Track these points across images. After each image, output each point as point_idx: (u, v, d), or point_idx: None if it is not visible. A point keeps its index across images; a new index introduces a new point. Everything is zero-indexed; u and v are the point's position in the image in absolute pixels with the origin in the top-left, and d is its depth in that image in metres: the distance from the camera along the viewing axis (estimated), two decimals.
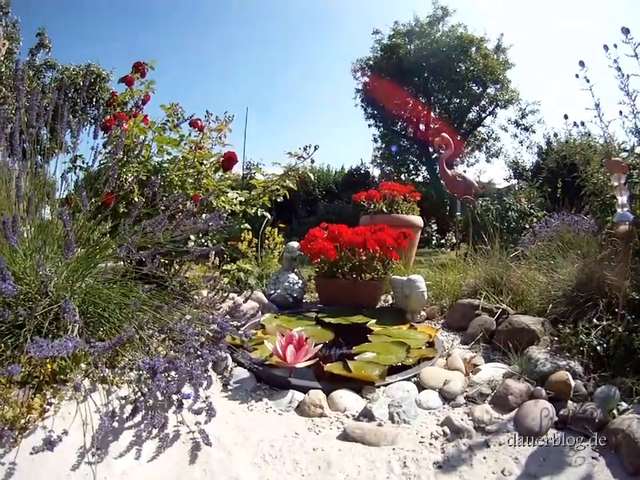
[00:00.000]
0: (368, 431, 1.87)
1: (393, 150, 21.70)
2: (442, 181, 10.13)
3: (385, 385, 2.31)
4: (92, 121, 14.80)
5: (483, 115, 21.88)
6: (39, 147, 3.13)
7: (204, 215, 3.69)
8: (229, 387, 2.42)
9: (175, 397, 2.10)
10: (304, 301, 4.38)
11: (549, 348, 2.43)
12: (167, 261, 3.74)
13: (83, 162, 3.93)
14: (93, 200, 3.10)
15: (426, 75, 20.65)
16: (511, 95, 20.42)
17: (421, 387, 2.31)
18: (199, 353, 2.26)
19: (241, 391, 2.40)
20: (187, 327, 2.49)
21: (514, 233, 6.54)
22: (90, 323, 2.52)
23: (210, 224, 2.97)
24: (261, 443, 1.94)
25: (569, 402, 1.95)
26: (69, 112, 3.09)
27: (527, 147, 19.79)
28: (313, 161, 4.59)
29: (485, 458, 1.71)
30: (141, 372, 2.31)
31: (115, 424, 2.01)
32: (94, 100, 14.69)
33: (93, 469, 1.74)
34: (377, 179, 21.34)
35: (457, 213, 7.60)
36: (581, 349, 2.28)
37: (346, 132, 47.89)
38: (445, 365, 2.53)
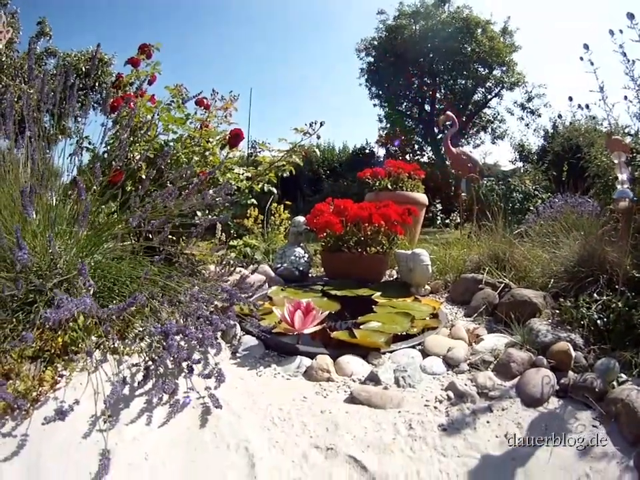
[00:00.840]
0: (374, 394, 1.90)
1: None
2: (447, 160, 10.11)
3: (391, 352, 2.35)
4: (95, 104, 15.06)
5: (489, 97, 21.62)
6: (43, 132, 3.17)
7: (211, 190, 3.65)
8: (238, 355, 2.45)
9: (185, 364, 2.14)
10: (310, 274, 4.40)
11: (550, 320, 2.45)
12: (174, 237, 3.76)
13: (90, 143, 3.98)
14: (100, 179, 3.07)
15: (431, 55, 20.35)
16: (517, 77, 20.18)
17: (425, 354, 2.34)
18: (209, 319, 2.29)
19: (249, 358, 2.43)
20: (197, 293, 2.52)
21: (518, 214, 6.51)
22: (100, 297, 2.55)
23: (217, 198, 2.98)
24: (269, 406, 1.98)
25: (570, 372, 1.97)
26: (75, 97, 3.14)
27: (534, 130, 19.68)
28: (319, 137, 4.61)
29: (488, 422, 1.74)
30: (152, 339, 2.33)
31: (126, 391, 2.05)
32: (96, 84, 14.76)
33: (104, 436, 1.77)
34: (382, 159, 21.30)
35: (462, 192, 7.63)
36: (582, 322, 2.30)
37: (351, 111, 47.87)
38: (448, 334, 2.56)
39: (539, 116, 20.35)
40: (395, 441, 1.68)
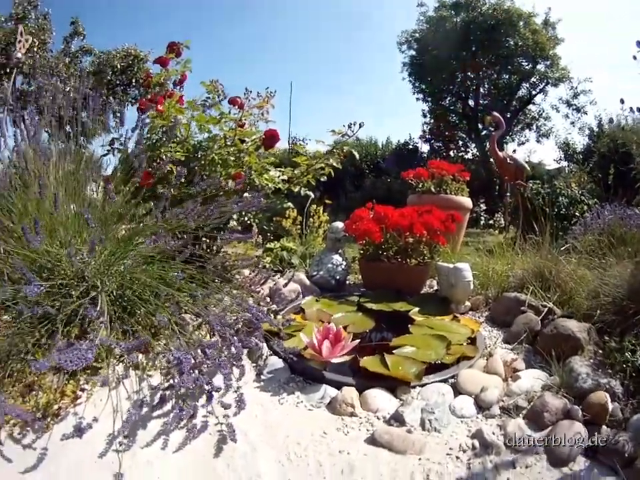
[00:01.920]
0: (396, 437, 1.84)
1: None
2: (491, 158, 9.98)
3: (421, 386, 2.26)
4: (132, 101, 15.32)
5: (534, 93, 21.22)
6: (81, 129, 3.21)
7: (246, 194, 3.65)
8: (262, 377, 2.41)
9: (206, 387, 2.10)
10: (347, 282, 4.28)
11: (591, 360, 2.31)
12: (207, 239, 3.71)
13: (121, 144, 3.94)
14: (130, 181, 3.10)
15: (473, 48, 20.11)
16: (562, 72, 19.77)
17: (457, 391, 2.24)
18: (231, 343, 2.26)
19: (273, 382, 2.38)
20: (222, 316, 2.48)
21: (564, 220, 6.29)
22: (127, 307, 2.54)
23: (252, 205, 2.94)
24: (287, 439, 1.94)
25: (603, 427, 1.85)
26: (110, 94, 3.19)
27: (579, 129, 19.37)
28: (358, 139, 4.56)
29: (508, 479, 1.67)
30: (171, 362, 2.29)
31: (144, 412, 2.05)
32: (133, 80, 15.09)
33: (119, 457, 1.77)
34: (425, 155, 21.15)
35: (507, 194, 7.48)
36: (624, 366, 2.16)
37: (394, 105, 47.68)
38: (484, 366, 2.45)
39: (585, 113, 19.90)
40: None
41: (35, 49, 13.80)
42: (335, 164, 4.44)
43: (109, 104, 3.08)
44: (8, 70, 13.74)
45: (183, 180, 3.44)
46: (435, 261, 3.93)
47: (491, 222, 9.76)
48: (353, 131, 4.43)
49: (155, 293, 2.63)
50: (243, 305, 2.64)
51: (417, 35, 21.32)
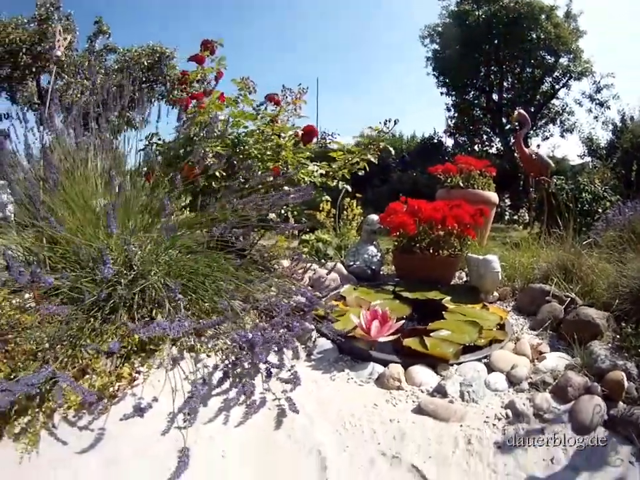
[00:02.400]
0: (440, 407, 2.03)
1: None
2: (516, 154, 9.98)
3: (458, 364, 2.45)
4: (159, 97, 15.64)
5: (557, 87, 21.22)
6: (110, 125, 3.34)
7: (285, 187, 3.77)
8: (312, 357, 2.58)
9: (262, 366, 2.23)
10: (381, 273, 4.43)
11: (610, 345, 2.50)
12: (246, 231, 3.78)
13: (159, 139, 4.16)
14: (170, 174, 3.19)
15: (496, 42, 20.21)
16: (584, 66, 19.80)
17: (490, 368, 2.43)
18: (287, 324, 2.38)
19: (323, 362, 2.55)
20: (278, 301, 2.61)
21: (587, 216, 6.44)
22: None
23: (306, 196, 3.05)
24: (341, 412, 2.10)
25: (620, 403, 2.04)
26: (141, 91, 3.30)
27: (602, 124, 19.40)
28: (393, 135, 4.69)
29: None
30: (232, 342, 2.41)
31: (204, 390, 2.15)
32: (160, 77, 15.39)
33: (183, 434, 1.90)
34: (450, 149, 21.14)
35: (531, 189, 7.56)
36: (639, 350, 2.36)
37: (418, 99, 47.50)
38: (513, 348, 2.63)
39: (608, 108, 19.92)
40: (454, 454, 1.82)
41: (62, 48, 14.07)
42: (372, 159, 4.57)
43: (139, 100, 3.17)
44: (34, 69, 14.01)
45: (224, 174, 3.65)
46: (464, 253, 4.06)
47: (515, 217, 9.75)
48: (388, 128, 4.61)
49: (203, 280, 2.77)
50: (296, 289, 2.78)
51: (439, 28, 21.42)
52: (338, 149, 4.79)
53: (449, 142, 23.17)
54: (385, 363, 2.44)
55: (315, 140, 4.61)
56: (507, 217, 10.64)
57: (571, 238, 3.96)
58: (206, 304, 2.71)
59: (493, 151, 22.39)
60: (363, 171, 4.58)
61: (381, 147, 4.75)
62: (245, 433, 2.00)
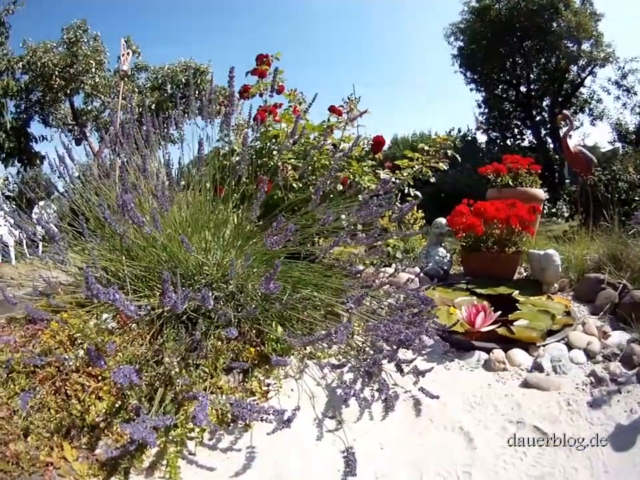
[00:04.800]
0: (541, 380, 2.47)
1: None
2: (562, 155, 9.86)
3: (544, 345, 2.82)
4: (197, 111, 16.10)
5: (583, 75, 21.15)
6: (145, 142, 3.38)
7: (360, 196, 3.75)
8: (423, 352, 2.82)
9: (387, 365, 2.51)
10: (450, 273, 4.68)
11: None
12: (314, 238, 3.88)
13: (225, 153, 4.14)
14: (235, 187, 3.29)
15: (519, 34, 20.31)
16: (607, 51, 19.79)
17: (569, 346, 2.82)
18: (410, 322, 2.58)
19: (434, 355, 2.86)
20: (395, 303, 2.93)
21: (624, 205, 6.57)
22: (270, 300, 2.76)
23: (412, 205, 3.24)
24: (464, 394, 2.44)
25: None
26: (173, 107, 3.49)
27: (630, 110, 19.41)
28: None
29: (618, 401, 2.26)
30: (346, 346, 2.69)
31: (339, 392, 2.39)
32: (196, 92, 15.78)
33: (338, 435, 2.13)
34: (483, 145, 21.23)
35: (566, 180, 7.74)
36: None
37: (447, 97, 47.09)
38: (582, 330, 3.02)
39: (635, 94, 19.84)
40: (560, 414, 2.23)
41: (94, 70, 14.57)
42: (444, 166, 4.86)
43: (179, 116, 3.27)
44: (68, 91, 14.39)
45: (300, 184, 3.78)
46: (525, 249, 4.36)
47: (554, 210, 9.90)
48: (453, 136, 5.00)
49: (307, 287, 2.93)
50: (403, 291, 3.09)
51: (462, 25, 21.42)
52: (407, 157, 5.02)
53: (482, 138, 23.21)
54: (486, 350, 2.78)
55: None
56: (545, 210, 10.70)
57: (617, 228, 4.30)
58: (317, 311, 2.89)
59: (525, 144, 22.32)
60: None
61: (449, 154, 5.02)
62: (391, 424, 2.25)
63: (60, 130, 16.58)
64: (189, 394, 2.08)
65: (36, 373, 2.28)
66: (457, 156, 5.13)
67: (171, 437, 2.00)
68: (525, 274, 4.65)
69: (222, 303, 2.51)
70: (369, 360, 2.43)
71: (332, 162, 4.07)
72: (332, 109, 4.58)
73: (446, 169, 4.96)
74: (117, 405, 2.10)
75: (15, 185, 12.95)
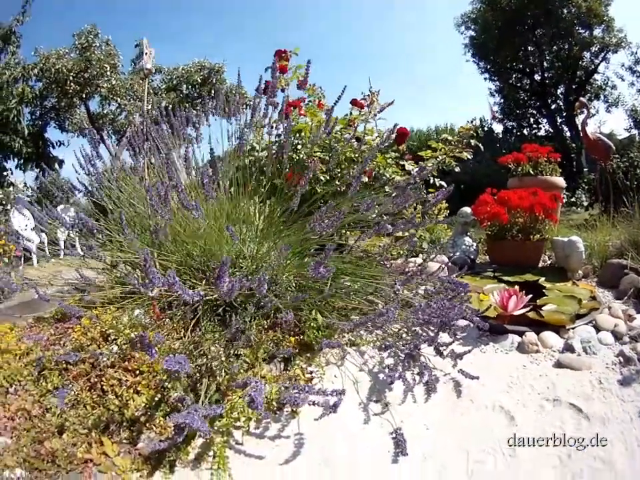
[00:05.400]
0: (573, 360, 2.60)
1: None
2: (581, 141, 9.72)
3: (573, 328, 2.94)
4: (212, 111, 16.09)
5: (596, 62, 20.97)
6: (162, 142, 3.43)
7: (387, 187, 4.04)
8: (457, 336, 2.83)
9: (424, 347, 2.57)
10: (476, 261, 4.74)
11: None
12: (342, 230, 3.89)
13: (252, 148, 4.29)
14: (262, 181, 3.34)
15: (531, 22, 20.19)
16: (618, 36, 19.61)
17: (597, 329, 2.92)
18: (446, 307, 2.60)
19: (468, 339, 2.94)
20: (432, 288, 3.02)
21: None
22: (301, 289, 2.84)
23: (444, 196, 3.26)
24: (501, 375, 2.53)
25: None
26: (189, 107, 3.54)
27: None
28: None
29: None
30: (383, 333, 2.75)
31: (381, 377, 2.45)
32: (212, 91, 15.64)
33: (385, 418, 2.18)
34: (500, 135, 21.13)
35: (584, 169, 7.76)
36: None
37: (460, 87, 46.82)
38: (608, 314, 3.12)
39: None
40: (593, 392, 2.34)
41: (109, 73, 14.63)
42: (468, 155, 4.96)
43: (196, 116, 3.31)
44: (84, 95, 14.41)
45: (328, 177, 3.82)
46: (549, 236, 4.44)
47: (573, 199, 9.93)
48: (475, 125, 5.04)
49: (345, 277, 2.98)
50: (434, 279, 3.12)
51: (473, 15, 21.29)
52: (431, 148, 5.10)
53: (498, 128, 23.03)
54: (519, 334, 2.88)
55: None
56: (564, 199, 10.66)
57: (637, 215, 4.42)
58: (351, 300, 2.94)
59: (542, 133, 22.15)
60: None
61: (472, 143, 5.10)
62: (434, 405, 2.31)
63: (78, 133, 16.67)
64: (236, 382, 2.11)
65: (69, 370, 2.33)
66: (480, 145, 5.23)
67: (216, 428, 2.02)
68: (548, 262, 4.74)
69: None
70: (409, 344, 2.51)
71: (362, 154, 4.22)
72: (354, 102, 4.63)
73: (470, 157, 5.06)
74: (156, 399, 2.12)
75: (33, 191, 13.07)
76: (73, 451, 1.88)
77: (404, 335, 2.77)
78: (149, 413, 2.08)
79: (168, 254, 2.94)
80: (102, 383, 2.21)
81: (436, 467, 1.97)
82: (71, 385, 2.20)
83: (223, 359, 2.28)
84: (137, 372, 2.26)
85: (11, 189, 9.12)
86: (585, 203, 9.19)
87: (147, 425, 2.05)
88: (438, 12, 47.23)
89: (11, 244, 4.61)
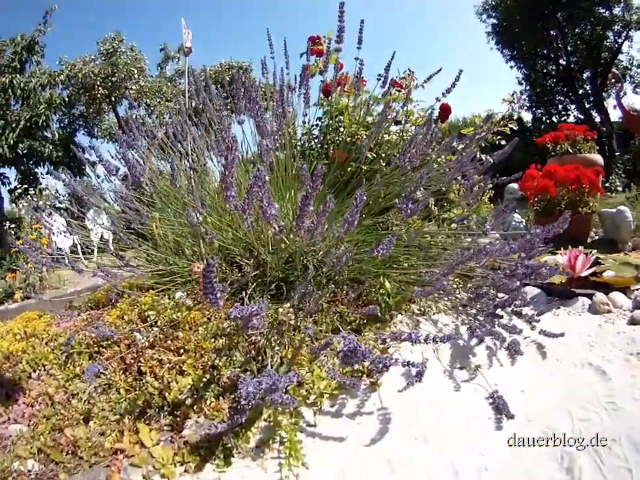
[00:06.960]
0: None
1: None
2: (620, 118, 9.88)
3: (637, 289, 3.02)
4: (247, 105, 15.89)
5: (620, 41, 20.94)
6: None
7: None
8: (527, 302, 2.85)
9: (501, 313, 2.53)
10: None
11: None
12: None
13: (309, 131, 4.37)
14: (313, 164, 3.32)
15: (551, 6, 20.17)
16: (638, 13, 19.66)
17: None
18: (514, 274, 2.56)
19: (539, 304, 2.98)
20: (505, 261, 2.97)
21: None
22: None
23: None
24: (581, 334, 2.52)
25: None
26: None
27: None
28: (521, 107, 4.95)
29: None
30: (452, 302, 2.77)
31: (461, 343, 2.45)
32: (242, 90, 15.83)
33: (477, 382, 2.15)
34: (530, 124, 21.07)
35: (616, 153, 7.78)
36: None
37: (486, 76, 46.31)
38: None
39: None
40: None
41: (137, 76, 14.86)
42: (514, 127, 4.81)
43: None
44: (112, 99, 14.73)
45: (370, 156, 3.84)
46: (596, 209, 4.47)
47: (607, 184, 9.85)
48: (517, 99, 5.09)
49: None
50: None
51: (494, 2, 21.25)
52: (469, 129, 4.92)
53: (527, 117, 22.97)
54: (588, 296, 2.92)
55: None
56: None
57: None
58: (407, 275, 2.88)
59: (571, 119, 21.98)
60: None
61: (514, 117, 5.07)
62: (521, 368, 2.29)
63: (107, 139, 16.78)
64: (312, 347, 2.00)
65: (101, 352, 2.23)
66: (514, 126, 5.04)
67: (280, 408, 1.82)
68: (596, 237, 4.81)
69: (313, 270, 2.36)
70: (487, 307, 2.53)
71: (406, 133, 4.29)
72: (393, 82, 4.57)
73: (515, 128, 4.88)
74: (204, 379, 1.95)
75: (64, 197, 13.27)
76: (99, 441, 1.72)
77: (473, 303, 2.73)
78: (195, 396, 1.92)
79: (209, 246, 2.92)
80: (139, 364, 2.07)
81: (541, 427, 1.86)
82: (102, 369, 2.06)
83: (294, 321, 2.21)
84: (182, 351, 2.13)
85: (46, 192, 9.25)
86: (620, 188, 9.15)
87: (195, 408, 1.89)
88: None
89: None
